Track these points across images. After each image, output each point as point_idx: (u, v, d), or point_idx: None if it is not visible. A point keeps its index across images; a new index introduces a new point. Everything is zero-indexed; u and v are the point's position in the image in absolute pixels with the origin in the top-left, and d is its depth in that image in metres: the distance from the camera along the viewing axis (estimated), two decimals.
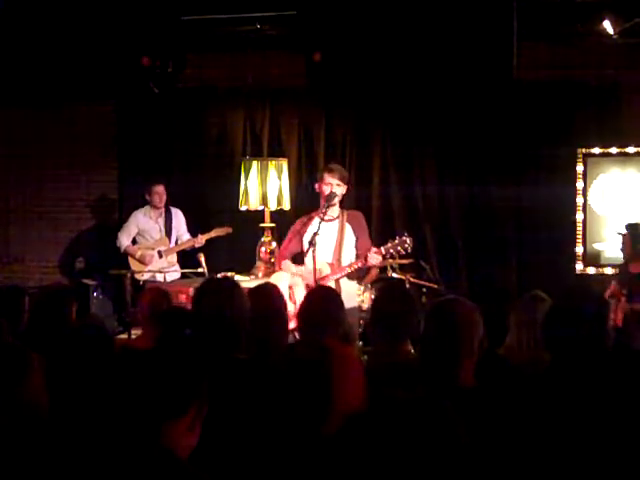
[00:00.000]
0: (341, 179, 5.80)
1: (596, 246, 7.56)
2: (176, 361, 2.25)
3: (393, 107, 8.17)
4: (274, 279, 5.67)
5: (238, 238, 8.05)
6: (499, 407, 2.77)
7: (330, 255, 5.76)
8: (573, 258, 7.77)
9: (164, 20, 6.98)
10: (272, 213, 7.56)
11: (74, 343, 3.03)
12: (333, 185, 5.75)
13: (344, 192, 5.89)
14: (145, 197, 7.94)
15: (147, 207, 7.95)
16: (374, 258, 5.52)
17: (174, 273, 7.71)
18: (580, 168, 7.79)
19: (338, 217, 5.83)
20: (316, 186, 5.91)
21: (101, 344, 3.11)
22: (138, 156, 8.92)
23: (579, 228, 7.75)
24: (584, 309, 3.00)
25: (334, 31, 6.78)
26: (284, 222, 7.66)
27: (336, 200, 5.78)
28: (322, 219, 5.70)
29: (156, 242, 7.86)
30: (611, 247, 7.26)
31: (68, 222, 9.27)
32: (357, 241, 5.77)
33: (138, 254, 7.75)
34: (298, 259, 5.91)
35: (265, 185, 7.52)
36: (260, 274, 7.10)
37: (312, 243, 5.52)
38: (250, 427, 2.61)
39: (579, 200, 7.75)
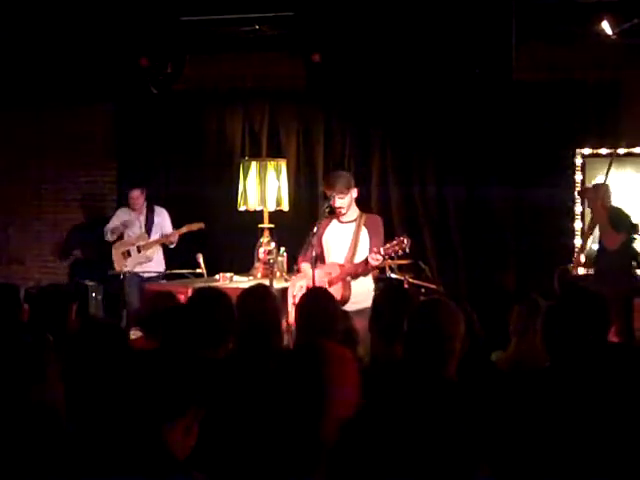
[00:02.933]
0: (341, 191, 5.81)
1: (595, 247, 7.55)
2: (175, 363, 2.25)
3: (392, 108, 8.18)
4: (294, 281, 5.92)
5: (237, 239, 8.06)
6: (484, 402, 2.80)
7: (342, 257, 5.80)
8: (571, 258, 7.76)
9: (163, 21, 6.98)
10: (271, 214, 7.56)
11: (90, 339, 3.02)
12: (336, 201, 5.81)
13: (354, 195, 5.90)
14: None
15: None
16: (374, 259, 5.58)
17: (158, 267, 8.00)
18: (578, 169, 7.80)
19: (356, 220, 5.88)
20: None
21: (116, 341, 3.10)
22: (137, 157, 8.94)
23: (577, 228, 7.75)
24: (583, 310, 3.00)
25: (333, 32, 6.78)
26: (283, 223, 7.69)
27: (344, 210, 5.84)
28: (323, 219, 5.80)
29: (137, 238, 8.12)
30: None
31: (67, 222, 9.28)
32: (370, 244, 5.80)
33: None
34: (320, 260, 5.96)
35: (264, 186, 7.52)
36: (259, 275, 7.10)
37: (310, 243, 5.56)
38: (246, 428, 2.61)
39: (577, 201, 7.75)
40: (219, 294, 3.74)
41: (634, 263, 6.68)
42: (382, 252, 5.56)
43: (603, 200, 6.56)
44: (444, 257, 8.13)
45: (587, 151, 7.78)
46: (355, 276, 5.74)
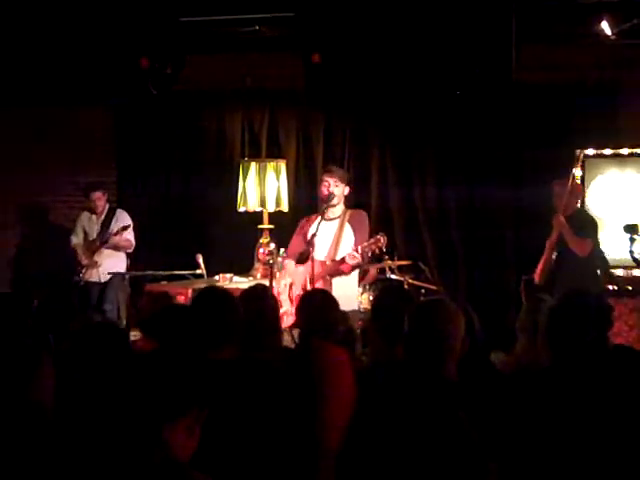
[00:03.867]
0: (339, 179, 5.86)
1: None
2: (177, 363, 2.25)
3: (392, 108, 8.17)
4: (279, 277, 5.91)
5: (236, 240, 8.06)
6: (484, 402, 2.80)
7: (325, 254, 5.81)
8: None
9: (163, 21, 6.98)
10: (270, 214, 7.56)
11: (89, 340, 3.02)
12: (331, 185, 5.82)
13: (345, 192, 5.95)
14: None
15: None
16: (351, 259, 5.58)
17: (113, 269, 7.85)
18: (578, 169, 7.79)
19: (339, 216, 5.89)
20: (319, 190, 6.00)
21: (117, 341, 3.10)
22: (137, 158, 8.93)
23: None
24: (585, 310, 3.01)
25: (333, 33, 6.78)
26: (282, 223, 7.69)
27: (335, 200, 5.84)
28: (323, 218, 5.80)
29: (90, 242, 8.10)
30: (609, 249, 7.23)
31: (67, 224, 9.26)
32: (354, 240, 5.81)
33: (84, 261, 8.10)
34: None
35: (263, 186, 7.53)
36: (258, 275, 7.10)
37: (310, 244, 5.57)
38: (246, 429, 2.61)
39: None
40: (223, 295, 3.74)
41: (600, 270, 6.50)
42: (359, 250, 5.58)
43: (568, 202, 6.43)
44: (444, 257, 8.13)
45: (586, 151, 7.77)
46: (335, 274, 5.73)
